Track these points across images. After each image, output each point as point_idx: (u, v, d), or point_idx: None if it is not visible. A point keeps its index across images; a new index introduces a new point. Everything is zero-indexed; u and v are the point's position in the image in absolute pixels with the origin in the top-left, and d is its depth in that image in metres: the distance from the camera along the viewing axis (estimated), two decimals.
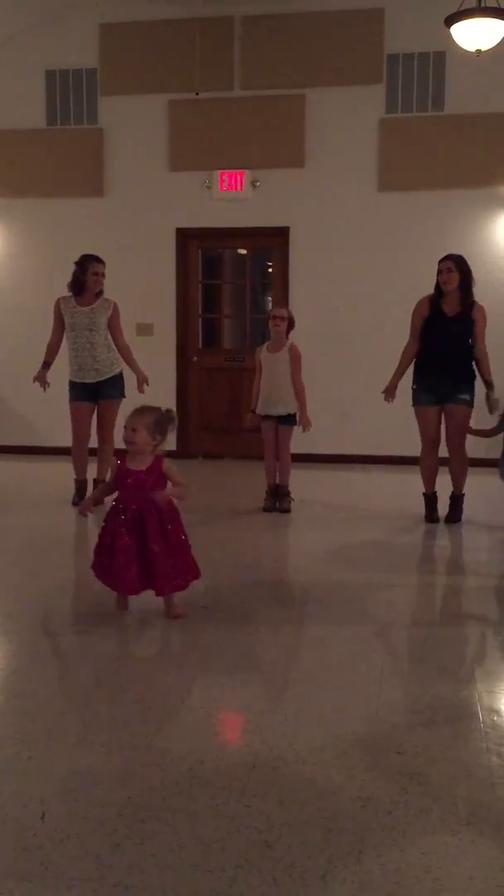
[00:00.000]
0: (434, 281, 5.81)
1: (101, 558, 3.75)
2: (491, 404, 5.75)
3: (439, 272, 5.78)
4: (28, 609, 4.06)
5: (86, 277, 6.23)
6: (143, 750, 2.61)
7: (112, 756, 2.58)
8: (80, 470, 6.41)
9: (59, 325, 6.34)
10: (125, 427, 3.72)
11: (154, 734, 2.72)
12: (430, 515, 5.92)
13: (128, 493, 3.72)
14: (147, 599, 4.11)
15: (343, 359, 8.29)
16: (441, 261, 5.80)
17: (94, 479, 6.44)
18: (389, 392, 5.97)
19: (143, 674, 3.22)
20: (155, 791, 2.38)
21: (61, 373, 6.43)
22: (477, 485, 6.00)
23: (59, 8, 8.33)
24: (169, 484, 3.76)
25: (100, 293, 6.32)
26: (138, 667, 3.30)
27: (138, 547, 3.65)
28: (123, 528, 3.67)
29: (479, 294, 5.82)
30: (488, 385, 5.77)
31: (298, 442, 8.33)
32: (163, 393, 8.66)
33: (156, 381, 8.63)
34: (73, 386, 6.32)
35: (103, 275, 6.28)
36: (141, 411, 3.73)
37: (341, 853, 2.09)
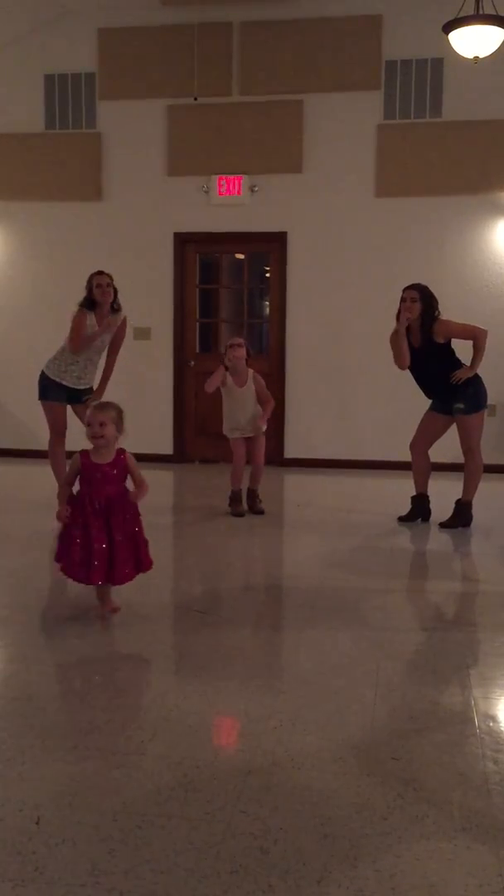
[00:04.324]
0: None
1: (73, 553, 3.74)
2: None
3: (402, 300, 5.65)
4: (23, 613, 4.06)
5: (93, 294, 5.94)
6: (138, 755, 2.61)
7: (107, 761, 2.57)
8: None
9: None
10: (91, 423, 3.76)
11: (149, 739, 2.72)
12: (405, 515, 5.93)
13: (94, 487, 3.75)
14: (140, 602, 4.11)
15: (340, 364, 8.30)
16: (405, 289, 5.68)
17: None
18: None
19: (138, 678, 3.22)
20: (150, 796, 2.37)
21: (33, 374, 6.17)
22: (480, 490, 6.00)
23: (58, 12, 8.34)
24: (130, 479, 3.84)
25: (116, 308, 6.01)
26: (133, 671, 3.30)
27: (106, 539, 3.73)
28: (95, 520, 3.72)
29: (476, 300, 5.81)
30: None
31: (296, 446, 8.38)
32: (159, 397, 8.70)
33: (153, 386, 8.69)
34: (56, 386, 6.00)
35: (109, 285, 5.91)
36: (103, 406, 3.83)
37: (337, 859, 2.09)
